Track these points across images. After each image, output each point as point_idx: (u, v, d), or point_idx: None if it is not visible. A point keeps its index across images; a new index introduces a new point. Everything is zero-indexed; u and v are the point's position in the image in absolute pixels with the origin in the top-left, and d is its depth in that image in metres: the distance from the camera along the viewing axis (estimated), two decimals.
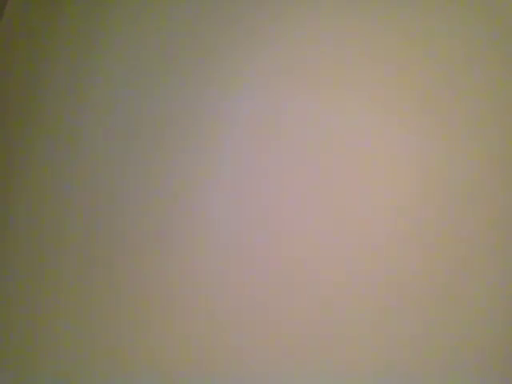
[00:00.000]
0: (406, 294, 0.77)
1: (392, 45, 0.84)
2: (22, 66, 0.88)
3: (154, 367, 0.78)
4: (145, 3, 0.88)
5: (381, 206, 0.79)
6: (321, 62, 0.84)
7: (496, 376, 0.74)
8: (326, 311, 0.77)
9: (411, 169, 0.80)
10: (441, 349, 0.75)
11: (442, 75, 0.82)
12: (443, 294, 0.77)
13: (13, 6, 0.89)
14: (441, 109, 0.81)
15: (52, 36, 0.88)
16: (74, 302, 0.80)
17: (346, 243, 0.79)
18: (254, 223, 0.80)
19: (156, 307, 0.79)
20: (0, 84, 0.87)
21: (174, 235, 0.81)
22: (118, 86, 0.86)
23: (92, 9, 0.89)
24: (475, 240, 0.77)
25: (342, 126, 0.82)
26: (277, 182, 0.81)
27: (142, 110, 0.85)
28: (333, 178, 0.81)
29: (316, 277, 0.78)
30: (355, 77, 0.83)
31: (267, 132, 0.83)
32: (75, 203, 0.83)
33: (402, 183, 0.80)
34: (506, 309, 0.76)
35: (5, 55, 0.88)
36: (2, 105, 0.87)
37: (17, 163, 0.85)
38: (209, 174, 0.82)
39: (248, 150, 0.82)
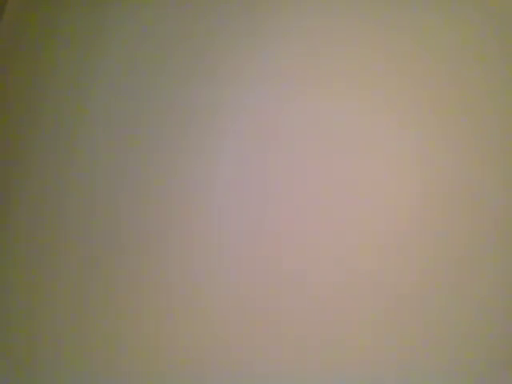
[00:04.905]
0: (406, 295, 0.77)
1: (393, 44, 0.84)
2: (22, 66, 0.88)
3: (153, 367, 0.78)
4: (145, 3, 0.88)
5: (382, 206, 0.79)
6: (321, 62, 0.84)
7: (496, 376, 0.74)
8: (326, 311, 0.77)
9: (412, 168, 0.80)
10: (441, 349, 0.75)
11: (443, 74, 0.82)
12: (443, 294, 0.76)
13: (13, 6, 0.89)
14: (442, 108, 0.81)
15: (52, 36, 0.88)
16: (73, 302, 0.80)
17: (347, 243, 0.79)
18: (254, 223, 0.80)
19: (155, 307, 0.79)
20: (0, 84, 0.87)
21: (173, 235, 0.81)
22: (119, 86, 0.86)
23: (92, 9, 0.89)
24: (476, 240, 0.77)
25: (342, 126, 0.82)
26: (277, 182, 0.81)
27: (142, 109, 0.85)
28: (333, 178, 0.81)
29: (316, 277, 0.78)
30: (356, 76, 0.83)
31: (267, 132, 0.83)
32: (75, 203, 0.83)
33: (403, 183, 0.80)
34: (506, 309, 0.75)
35: (5, 55, 0.88)
36: (2, 105, 0.87)
37: (17, 163, 0.85)
38: (209, 173, 0.82)
39: (248, 151, 0.82)
